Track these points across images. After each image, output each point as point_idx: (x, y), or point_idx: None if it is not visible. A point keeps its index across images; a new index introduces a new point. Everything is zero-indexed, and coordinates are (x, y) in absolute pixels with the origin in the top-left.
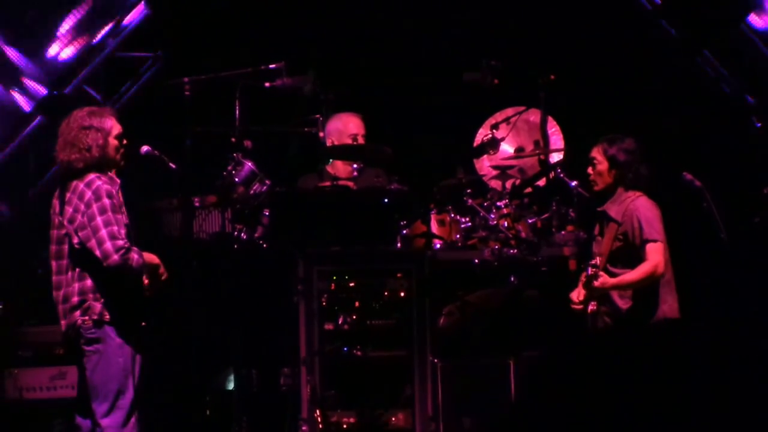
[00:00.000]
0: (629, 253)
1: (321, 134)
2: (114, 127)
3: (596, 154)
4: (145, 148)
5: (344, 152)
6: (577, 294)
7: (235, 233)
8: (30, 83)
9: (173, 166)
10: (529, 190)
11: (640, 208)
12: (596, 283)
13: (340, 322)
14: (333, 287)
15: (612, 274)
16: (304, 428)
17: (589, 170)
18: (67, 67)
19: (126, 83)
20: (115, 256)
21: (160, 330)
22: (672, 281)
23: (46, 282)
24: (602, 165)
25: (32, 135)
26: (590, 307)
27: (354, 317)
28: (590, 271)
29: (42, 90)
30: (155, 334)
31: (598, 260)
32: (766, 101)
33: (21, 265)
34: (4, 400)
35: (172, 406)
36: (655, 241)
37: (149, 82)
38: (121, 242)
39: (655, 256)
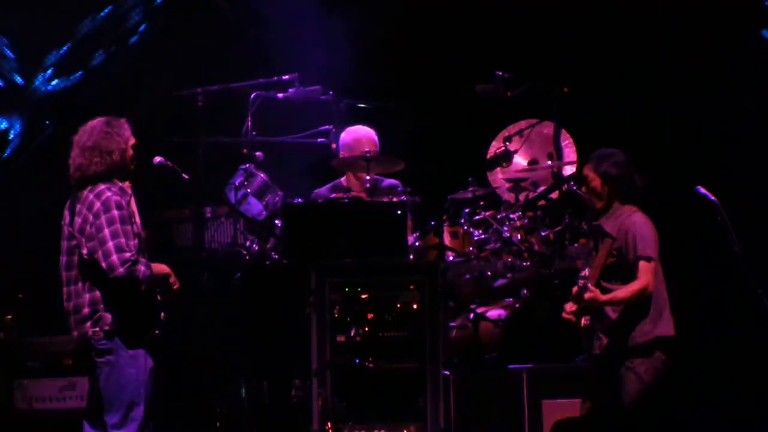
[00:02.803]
0: (623, 268)
1: (333, 146)
2: (130, 137)
3: (588, 171)
4: (157, 159)
5: (357, 164)
6: (570, 306)
7: (247, 244)
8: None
9: (185, 176)
10: (542, 202)
11: (636, 224)
12: (586, 296)
13: (352, 333)
14: (345, 299)
15: (605, 290)
16: None
17: (582, 189)
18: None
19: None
20: (121, 269)
21: (171, 341)
22: (667, 299)
23: (54, 292)
24: (595, 181)
25: (43, 145)
26: (583, 321)
27: (366, 329)
28: (580, 283)
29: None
30: (166, 345)
31: (587, 272)
32: None
33: (29, 275)
34: (14, 411)
35: (183, 417)
36: (648, 258)
37: (161, 94)
38: (128, 255)
39: (647, 274)
